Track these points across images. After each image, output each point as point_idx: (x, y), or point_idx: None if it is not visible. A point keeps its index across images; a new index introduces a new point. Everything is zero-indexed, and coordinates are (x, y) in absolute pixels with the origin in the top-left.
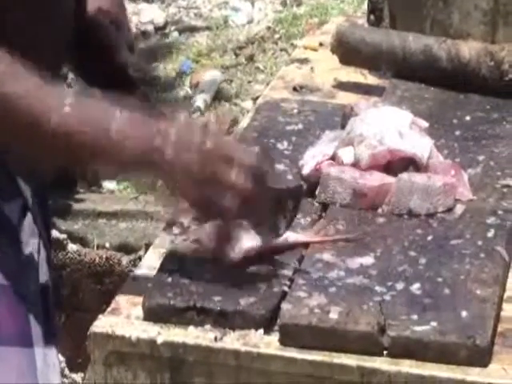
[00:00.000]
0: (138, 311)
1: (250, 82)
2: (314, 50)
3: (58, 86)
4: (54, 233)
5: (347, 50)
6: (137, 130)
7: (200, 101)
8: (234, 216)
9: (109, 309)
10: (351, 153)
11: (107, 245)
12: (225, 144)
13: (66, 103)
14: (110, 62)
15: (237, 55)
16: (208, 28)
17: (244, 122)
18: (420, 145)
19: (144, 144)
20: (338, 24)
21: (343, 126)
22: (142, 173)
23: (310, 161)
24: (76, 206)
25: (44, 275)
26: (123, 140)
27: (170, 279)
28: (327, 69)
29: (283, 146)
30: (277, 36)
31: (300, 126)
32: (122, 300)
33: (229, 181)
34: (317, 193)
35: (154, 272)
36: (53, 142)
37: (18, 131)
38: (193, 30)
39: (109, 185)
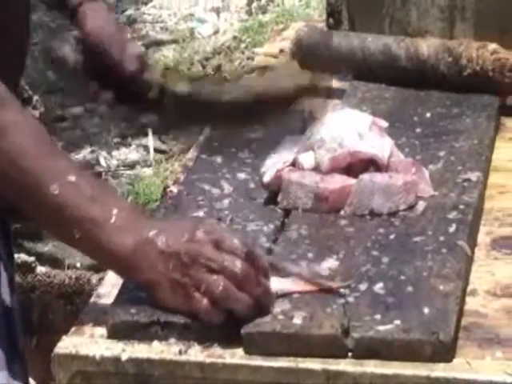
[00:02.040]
0: (102, 329)
1: None
2: (275, 57)
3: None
4: (23, 256)
5: (307, 55)
6: (132, 222)
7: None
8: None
9: (72, 329)
10: (311, 157)
11: (78, 265)
12: (216, 231)
13: (70, 173)
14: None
15: (204, 66)
16: (174, 41)
17: (205, 132)
18: (380, 145)
19: (137, 235)
20: (297, 29)
21: (303, 131)
22: (129, 268)
23: (270, 168)
24: None
25: (6, 297)
26: (118, 230)
27: (132, 295)
28: (288, 75)
29: (244, 154)
30: (243, 45)
31: (260, 134)
32: (85, 319)
33: (219, 263)
34: (278, 199)
35: (117, 289)
36: (47, 209)
37: (14, 189)
38: (159, 44)
39: None
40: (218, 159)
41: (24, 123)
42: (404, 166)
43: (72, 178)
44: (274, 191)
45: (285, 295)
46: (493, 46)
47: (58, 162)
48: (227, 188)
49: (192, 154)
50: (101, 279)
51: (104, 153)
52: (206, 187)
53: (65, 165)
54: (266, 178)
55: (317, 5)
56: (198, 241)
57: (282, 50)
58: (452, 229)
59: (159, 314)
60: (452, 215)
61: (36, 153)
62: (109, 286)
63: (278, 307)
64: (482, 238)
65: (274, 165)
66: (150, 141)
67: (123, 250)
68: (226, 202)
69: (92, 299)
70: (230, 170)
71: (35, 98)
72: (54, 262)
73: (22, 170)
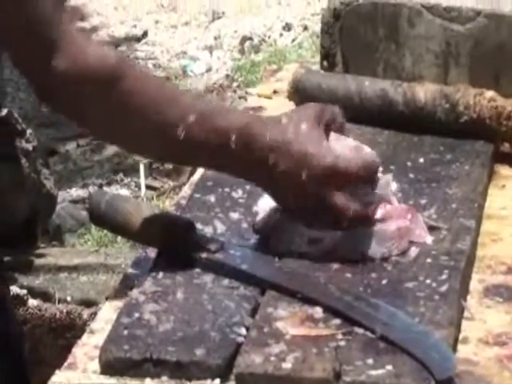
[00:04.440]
0: (95, 365)
1: None
2: (268, 97)
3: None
4: (15, 289)
5: (304, 97)
6: (253, 140)
7: None
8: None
9: (65, 363)
10: None
11: (69, 299)
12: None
13: (191, 112)
14: None
15: None
16: (167, 78)
17: (199, 172)
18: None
19: (260, 154)
20: (295, 71)
21: None
22: (253, 180)
23: (261, 212)
24: (37, 261)
25: None
26: (241, 150)
27: (126, 332)
28: None
29: (238, 194)
30: (235, 84)
31: None
32: (78, 354)
33: (338, 205)
34: (271, 241)
35: (110, 325)
36: (174, 149)
37: (142, 135)
38: None
39: (70, 238)
40: (212, 198)
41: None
42: (398, 211)
43: (192, 118)
44: (265, 234)
45: (277, 337)
46: (490, 93)
47: (178, 103)
48: (220, 228)
49: (185, 192)
50: (92, 314)
51: (95, 188)
52: (199, 226)
53: (185, 104)
54: (258, 224)
55: (309, 46)
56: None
57: (275, 91)
58: (444, 276)
59: (152, 350)
60: (445, 262)
61: (158, 97)
62: (102, 322)
63: (271, 349)
64: (475, 285)
65: (265, 208)
66: (142, 177)
67: (246, 166)
68: None
69: (85, 334)
70: (223, 210)
71: (28, 131)
72: (45, 295)
73: (149, 116)
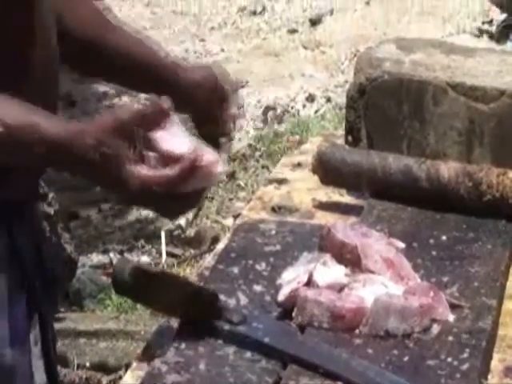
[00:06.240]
0: None
1: (231, 199)
2: (292, 170)
3: None
4: None
5: (328, 171)
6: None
7: (181, 218)
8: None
9: None
10: (327, 275)
11: (87, 364)
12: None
13: None
14: None
15: None
16: None
17: (222, 243)
18: None
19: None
20: (319, 144)
21: (321, 248)
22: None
23: (284, 286)
24: (56, 326)
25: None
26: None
27: None
28: (305, 189)
29: (261, 267)
30: (258, 153)
31: (278, 247)
32: None
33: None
34: (293, 315)
35: None
36: None
37: None
38: None
39: (90, 303)
40: (235, 270)
41: None
42: (421, 289)
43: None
44: (288, 308)
45: None
46: None
47: None
48: (243, 300)
49: (208, 263)
50: (111, 381)
51: (115, 254)
52: (222, 298)
53: None
54: (280, 297)
55: (332, 117)
56: None
57: (299, 164)
58: (466, 354)
59: None
60: (466, 340)
61: None
62: None
63: None
64: (495, 365)
65: (288, 283)
66: (163, 244)
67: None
68: None
69: None
70: (247, 282)
71: (50, 194)
72: (64, 360)
73: None
